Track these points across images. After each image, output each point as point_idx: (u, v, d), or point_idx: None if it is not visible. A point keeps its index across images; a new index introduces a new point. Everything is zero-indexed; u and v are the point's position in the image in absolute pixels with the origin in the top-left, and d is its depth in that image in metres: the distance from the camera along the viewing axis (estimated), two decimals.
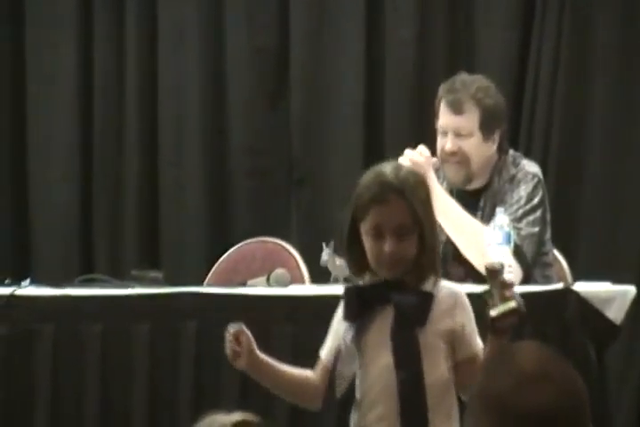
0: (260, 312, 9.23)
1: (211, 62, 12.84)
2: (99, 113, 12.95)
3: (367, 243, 6.98)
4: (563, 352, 5.31)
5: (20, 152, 13.24)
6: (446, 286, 7.22)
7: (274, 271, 9.61)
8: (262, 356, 7.10)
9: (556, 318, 8.47)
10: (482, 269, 7.59)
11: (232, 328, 7.02)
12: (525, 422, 4.60)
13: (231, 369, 8.04)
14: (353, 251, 7.20)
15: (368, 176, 7.20)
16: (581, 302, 8.61)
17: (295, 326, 9.15)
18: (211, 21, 13.27)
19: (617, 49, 12.20)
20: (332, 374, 7.32)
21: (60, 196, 12.94)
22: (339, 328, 7.29)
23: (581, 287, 8.66)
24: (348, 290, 7.30)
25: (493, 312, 7.01)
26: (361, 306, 7.26)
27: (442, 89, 9.40)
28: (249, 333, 6.79)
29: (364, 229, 7.07)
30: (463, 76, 9.50)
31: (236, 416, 4.68)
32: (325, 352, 7.22)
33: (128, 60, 13.16)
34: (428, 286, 7.11)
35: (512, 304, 7.11)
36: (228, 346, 6.92)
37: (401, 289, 7.12)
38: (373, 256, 6.95)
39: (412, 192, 7.07)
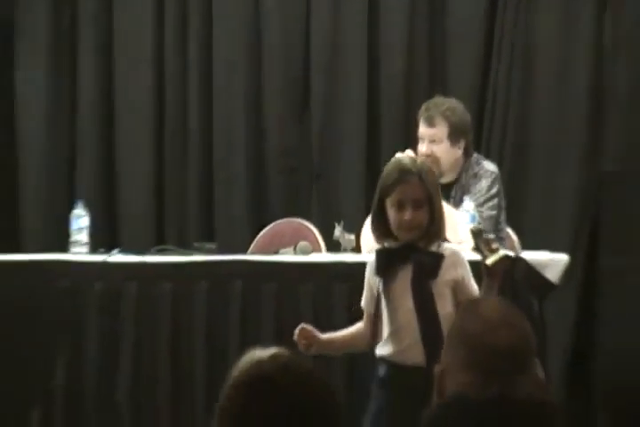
0: (288, 274, 9.42)
1: (253, 80, 12.34)
2: (169, 114, 12.49)
3: (391, 214, 7.25)
4: (515, 304, 5.63)
5: (109, 138, 12.52)
6: (448, 247, 7.51)
7: (299, 243, 9.75)
8: (325, 338, 7.31)
9: (509, 279, 8.29)
10: (454, 242, 8.16)
11: (299, 328, 7.24)
12: (490, 355, 4.73)
13: (268, 319, 9.10)
14: (379, 221, 7.45)
15: (391, 165, 7.54)
16: (527, 266, 8.80)
17: (315, 284, 9.24)
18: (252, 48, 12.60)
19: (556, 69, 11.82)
20: (375, 317, 7.47)
21: (140, 187, 12.36)
22: (371, 282, 7.48)
23: (527, 256, 8.84)
24: (378, 252, 7.51)
25: (489, 261, 7.32)
26: (388, 263, 7.45)
27: (422, 108, 9.62)
28: (312, 329, 7.09)
29: (390, 203, 7.34)
30: (437, 99, 9.79)
31: (272, 351, 4.33)
32: (365, 302, 7.45)
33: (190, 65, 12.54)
34: (434, 248, 7.34)
35: (502, 253, 7.44)
36: (300, 342, 7.14)
37: (416, 251, 7.33)
38: (396, 223, 7.24)
39: (426, 176, 7.41)
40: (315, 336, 6.81)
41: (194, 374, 9.49)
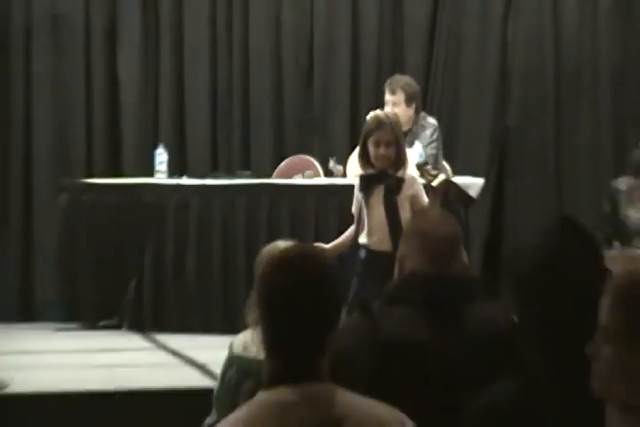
0: (299, 192, 10.40)
1: None
2: (221, 77, 12.31)
3: (371, 150, 7.93)
4: (449, 212, 7.14)
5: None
6: (408, 173, 8.08)
7: (305, 172, 10.67)
8: (331, 247, 8.12)
9: (444, 195, 8.70)
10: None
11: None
12: (434, 243, 4.74)
13: (285, 222, 9.95)
14: (363, 155, 8.08)
15: (371, 118, 8.19)
16: (457, 187, 9.43)
17: (316, 198, 10.15)
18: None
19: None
20: (359, 218, 8.05)
21: (200, 133, 12.36)
22: (357, 196, 8.11)
23: (457, 180, 9.42)
24: (361, 176, 8.20)
25: (434, 184, 8.12)
26: (368, 183, 8.05)
27: (387, 81, 10.23)
28: (321, 244, 7.53)
29: (370, 142, 7.98)
30: (396, 76, 10.49)
31: (291, 243, 4.81)
32: (354, 209, 8.10)
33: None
34: (399, 174, 7.98)
35: (441, 177, 8.22)
36: None
37: (387, 176, 7.99)
38: (374, 156, 7.92)
39: (394, 125, 8.11)
40: (323, 248, 7.14)
41: (237, 262, 10.16)
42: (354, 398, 3.43)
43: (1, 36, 12.02)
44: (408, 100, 9.96)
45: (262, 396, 3.36)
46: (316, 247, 4.20)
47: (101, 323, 10.25)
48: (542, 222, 8.24)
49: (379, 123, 8.10)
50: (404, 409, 3.42)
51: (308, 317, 3.38)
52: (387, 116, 8.35)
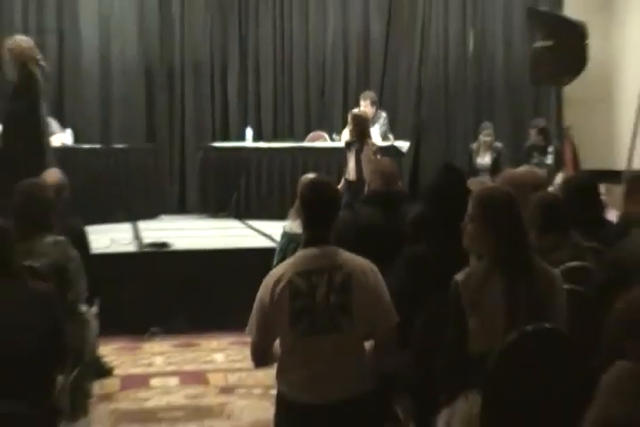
0: (319, 150, 10.32)
1: None
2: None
3: (351, 129, 8.05)
4: (391, 160, 6.18)
5: None
6: (369, 141, 8.10)
7: (320, 139, 10.79)
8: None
9: (388, 154, 8.58)
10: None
11: None
12: (386, 173, 5.12)
13: (311, 169, 9.20)
14: (349, 131, 8.13)
15: (352, 113, 8.31)
16: (397, 148, 9.69)
17: (327, 154, 10.05)
18: None
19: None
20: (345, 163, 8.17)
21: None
22: (345, 153, 8.21)
23: (397, 144, 9.74)
24: (346, 142, 8.26)
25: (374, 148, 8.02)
26: (349, 146, 8.23)
27: (361, 95, 10.08)
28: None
29: (351, 124, 8.10)
30: (365, 92, 10.21)
31: (315, 174, 4.74)
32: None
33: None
34: (364, 141, 8.03)
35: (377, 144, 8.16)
36: None
37: (358, 142, 7.96)
38: (351, 132, 8.05)
39: (365, 115, 8.25)
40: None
41: (288, 185, 9.73)
42: (347, 254, 3.44)
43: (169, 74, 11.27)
44: (372, 104, 9.92)
45: (299, 252, 3.47)
46: (327, 178, 3.83)
47: (220, 214, 10.32)
48: (437, 166, 9.06)
49: (355, 115, 8.45)
50: (372, 260, 3.46)
51: (324, 212, 3.47)
52: (360, 112, 8.78)
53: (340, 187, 7.86)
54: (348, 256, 3.42)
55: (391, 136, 10.15)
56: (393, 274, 3.78)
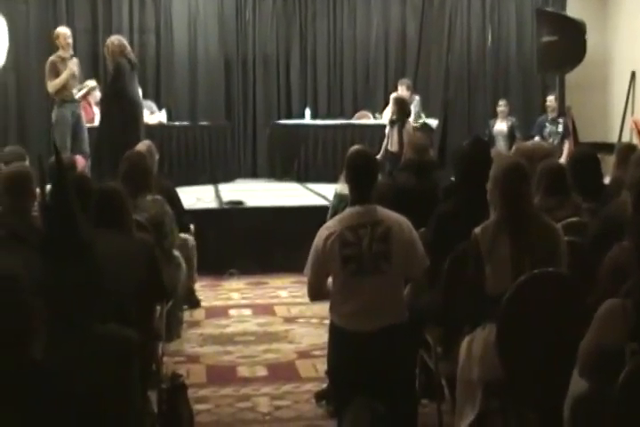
0: (365, 126, 10.13)
1: None
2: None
3: (393, 110, 8.04)
4: (424, 135, 6.65)
5: None
6: (408, 120, 8.06)
7: (364, 118, 10.60)
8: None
9: (420, 129, 8.62)
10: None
11: None
12: (419, 146, 5.04)
13: (359, 139, 9.26)
14: (390, 110, 8.09)
15: (395, 97, 8.42)
16: (428, 124, 9.48)
17: (371, 128, 9.84)
18: None
19: None
20: (388, 137, 8.11)
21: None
22: (387, 129, 8.11)
23: (428, 121, 9.51)
24: (390, 120, 8.09)
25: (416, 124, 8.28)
26: (392, 124, 8.11)
27: (399, 82, 10.01)
28: None
29: (393, 105, 8.15)
30: (403, 79, 10.14)
31: (359, 146, 3.89)
32: (386, 131, 8.00)
33: None
34: (405, 120, 8.00)
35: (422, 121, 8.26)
36: None
37: (399, 120, 7.89)
38: (392, 112, 8.04)
39: (404, 100, 8.20)
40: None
41: (340, 156, 8.85)
42: (386, 211, 3.39)
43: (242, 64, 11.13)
44: (407, 89, 9.87)
45: (347, 210, 3.43)
46: (368, 149, 3.70)
47: (284, 178, 10.20)
48: (461, 139, 8.76)
49: (397, 99, 8.57)
50: (407, 217, 3.40)
51: (366, 176, 3.42)
52: (401, 96, 8.97)
53: (379, 156, 7.78)
54: (387, 213, 3.39)
55: (423, 115, 9.99)
56: (427, 227, 3.77)
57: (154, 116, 9.73)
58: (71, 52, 8.16)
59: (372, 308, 3.30)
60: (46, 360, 1.49)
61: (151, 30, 10.81)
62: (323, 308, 4.19)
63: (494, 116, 10.33)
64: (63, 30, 8.23)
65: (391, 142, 8.22)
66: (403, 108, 8.23)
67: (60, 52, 8.07)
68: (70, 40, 8.13)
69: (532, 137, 9.35)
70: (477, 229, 3.15)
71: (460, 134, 10.56)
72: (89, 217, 3.44)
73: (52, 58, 8.09)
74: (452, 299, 3.33)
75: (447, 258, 3.42)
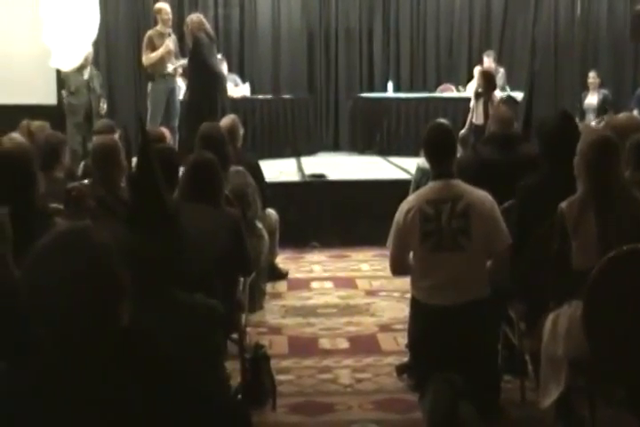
0: (448, 99, 10.22)
1: None
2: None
3: (479, 82, 7.85)
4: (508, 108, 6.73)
5: None
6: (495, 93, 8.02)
7: (446, 91, 10.62)
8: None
9: (505, 102, 8.75)
10: None
11: None
12: (505, 118, 4.71)
13: (442, 113, 9.15)
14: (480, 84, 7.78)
15: (480, 70, 8.39)
16: (513, 97, 9.49)
17: (454, 101, 9.91)
18: None
19: None
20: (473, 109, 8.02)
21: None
22: (472, 102, 8.06)
23: (513, 94, 9.58)
24: (475, 93, 8.05)
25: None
26: (477, 96, 8.06)
27: (484, 53, 10.08)
28: None
29: (479, 79, 8.02)
30: (488, 50, 10.20)
31: (442, 120, 3.89)
32: (471, 105, 7.91)
33: None
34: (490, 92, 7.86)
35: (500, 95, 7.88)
36: None
37: (484, 93, 7.83)
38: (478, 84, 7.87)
39: (489, 73, 8.10)
40: None
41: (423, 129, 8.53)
42: (467, 187, 3.37)
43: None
44: (493, 61, 10.07)
45: (429, 184, 3.43)
46: (446, 124, 3.60)
47: (366, 151, 10.19)
48: (547, 112, 9.05)
49: (484, 72, 8.47)
50: (490, 192, 3.37)
51: (444, 151, 3.41)
52: (488, 69, 9.04)
53: (464, 130, 7.82)
54: (468, 188, 3.36)
55: (508, 87, 10.11)
56: (512, 201, 3.70)
57: (238, 88, 9.86)
58: (170, 29, 8.28)
59: (451, 283, 3.29)
60: (134, 329, 1.53)
61: (235, 4, 11.03)
62: (404, 282, 4.21)
63: (583, 88, 10.24)
64: (165, 6, 8.41)
65: (476, 115, 8.19)
66: (489, 80, 8.16)
67: (159, 27, 8.27)
68: (170, 16, 8.25)
69: (631, 110, 9.07)
70: (563, 204, 3.10)
71: (546, 107, 10.47)
72: (177, 188, 3.51)
73: (150, 32, 8.27)
74: (536, 274, 3.27)
75: (532, 233, 3.35)
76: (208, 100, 7.49)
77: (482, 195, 3.34)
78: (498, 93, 8.83)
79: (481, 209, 3.28)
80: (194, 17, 7.94)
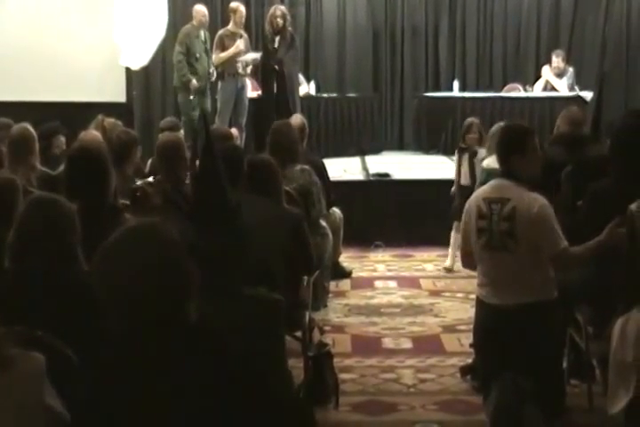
0: (511, 101, 9.96)
1: None
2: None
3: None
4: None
5: None
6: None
7: (513, 91, 10.41)
8: None
9: (574, 102, 8.89)
10: None
11: None
12: (575, 117, 5.05)
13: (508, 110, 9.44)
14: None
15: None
16: (582, 97, 9.47)
17: (521, 100, 9.84)
18: None
19: None
20: None
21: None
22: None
23: (582, 94, 9.49)
24: None
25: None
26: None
27: (553, 53, 9.92)
28: None
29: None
30: (557, 50, 9.95)
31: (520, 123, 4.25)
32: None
33: None
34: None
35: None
36: None
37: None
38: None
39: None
40: None
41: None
42: (519, 190, 3.28)
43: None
44: (563, 60, 9.84)
45: (491, 182, 3.43)
46: (519, 122, 3.75)
47: (431, 151, 10.07)
48: (617, 113, 8.71)
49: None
50: (557, 194, 3.51)
51: (508, 150, 3.33)
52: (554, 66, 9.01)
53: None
54: (517, 191, 3.31)
55: (577, 87, 9.87)
56: (582, 202, 3.66)
57: (302, 87, 9.79)
58: (242, 30, 8.42)
59: (504, 284, 3.29)
60: (201, 321, 1.55)
61: (301, 2, 10.96)
62: (468, 282, 4.30)
63: None
64: (241, 7, 8.49)
65: (463, 174, 7.63)
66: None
67: (230, 27, 8.40)
68: (244, 19, 8.41)
69: None
70: (633, 206, 3.04)
71: (616, 108, 9.94)
72: (241, 187, 3.54)
73: (220, 32, 8.38)
74: (605, 277, 3.23)
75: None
76: (277, 99, 7.63)
77: (532, 199, 3.27)
78: (567, 93, 9.00)
79: (527, 213, 3.24)
80: (285, 13, 8.09)
